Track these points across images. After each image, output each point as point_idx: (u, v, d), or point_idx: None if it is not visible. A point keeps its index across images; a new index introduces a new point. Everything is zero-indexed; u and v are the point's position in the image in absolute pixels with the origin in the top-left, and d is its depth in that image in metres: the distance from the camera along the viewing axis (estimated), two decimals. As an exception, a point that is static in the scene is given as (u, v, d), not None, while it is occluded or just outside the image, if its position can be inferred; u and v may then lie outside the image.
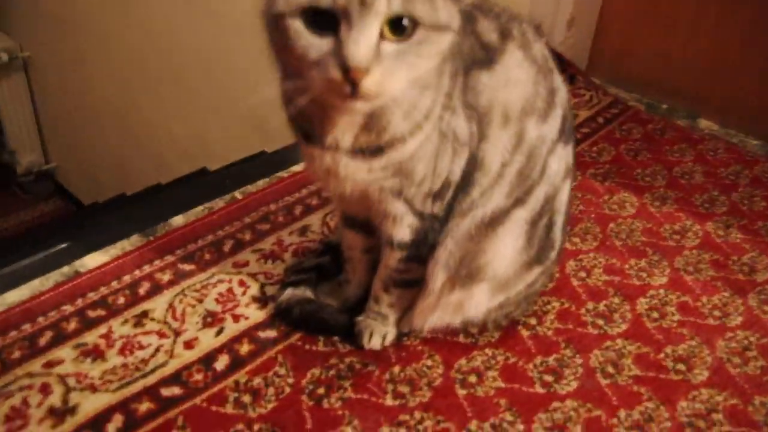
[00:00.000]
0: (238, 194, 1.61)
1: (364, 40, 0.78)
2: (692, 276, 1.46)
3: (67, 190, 4.91)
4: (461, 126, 0.99)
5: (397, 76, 0.82)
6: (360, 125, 0.94)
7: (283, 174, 1.70)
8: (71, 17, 3.94)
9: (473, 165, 1.03)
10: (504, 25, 1.03)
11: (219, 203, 1.57)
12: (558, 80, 1.10)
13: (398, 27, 0.80)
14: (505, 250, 1.11)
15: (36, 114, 4.77)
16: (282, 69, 0.92)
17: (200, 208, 1.55)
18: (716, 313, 1.37)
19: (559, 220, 1.19)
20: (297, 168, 1.72)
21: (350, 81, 0.80)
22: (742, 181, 1.81)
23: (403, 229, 1.08)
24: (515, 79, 1.02)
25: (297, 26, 0.81)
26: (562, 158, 1.13)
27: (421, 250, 1.12)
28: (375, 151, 0.96)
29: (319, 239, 1.47)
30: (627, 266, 1.48)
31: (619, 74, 2.24)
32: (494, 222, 1.08)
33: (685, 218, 1.65)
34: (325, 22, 0.79)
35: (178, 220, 1.50)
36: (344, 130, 0.94)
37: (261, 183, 1.66)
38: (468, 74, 0.98)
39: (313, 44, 0.81)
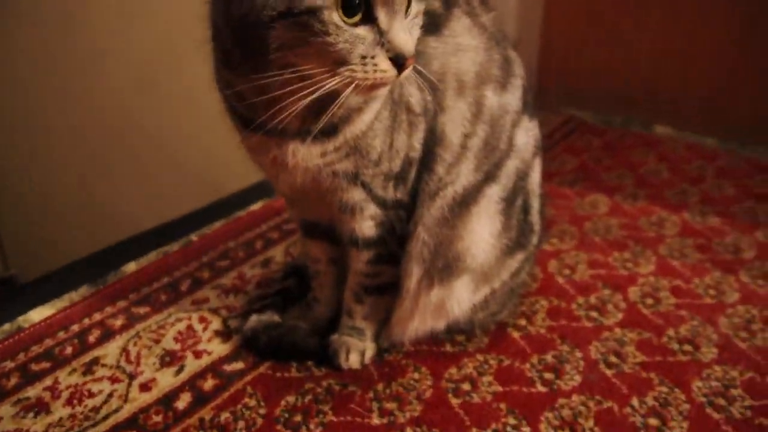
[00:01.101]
0: (194, 237, 1.50)
1: (406, 27, 0.77)
2: (679, 261, 1.39)
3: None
4: (414, 95, 0.92)
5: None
6: (310, 106, 0.85)
7: (241, 213, 1.61)
8: (24, 115, 3.89)
9: (433, 139, 0.96)
10: (447, -6, 0.99)
11: (174, 247, 1.46)
12: (512, 51, 1.06)
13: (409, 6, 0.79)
14: (483, 231, 1.02)
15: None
16: (257, 71, 0.80)
17: (153, 254, 1.44)
18: (711, 292, 1.29)
19: (536, 203, 1.12)
20: (256, 207, 1.63)
21: (404, 67, 0.77)
22: (708, 174, 1.79)
23: (365, 222, 0.99)
24: (465, 45, 0.97)
25: (337, 20, 0.74)
26: (529, 131, 1.07)
27: (390, 246, 1.02)
28: (328, 130, 0.88)
29: (282, 266, 1.36)
30: (611, 259, 1.40)
31: (569, 92, 2.26)
32: (467, 201, 1.00)
33: (659, 210, 1.60)
34: (357, 12, 0.75)
35: (130, 267, 1.38)
36: (294, 113, 0.86)
37: (217, 225, 1.57)
38: None
39: (358, 37, 0.75)
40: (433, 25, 0.95)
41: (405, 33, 0.76)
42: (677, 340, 1.17)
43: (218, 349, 1.14)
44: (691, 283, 1.32)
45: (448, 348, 1.15)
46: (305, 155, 0.89)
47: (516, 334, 1.19)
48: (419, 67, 0.93)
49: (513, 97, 1.02)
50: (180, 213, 1.91)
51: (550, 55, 2.28)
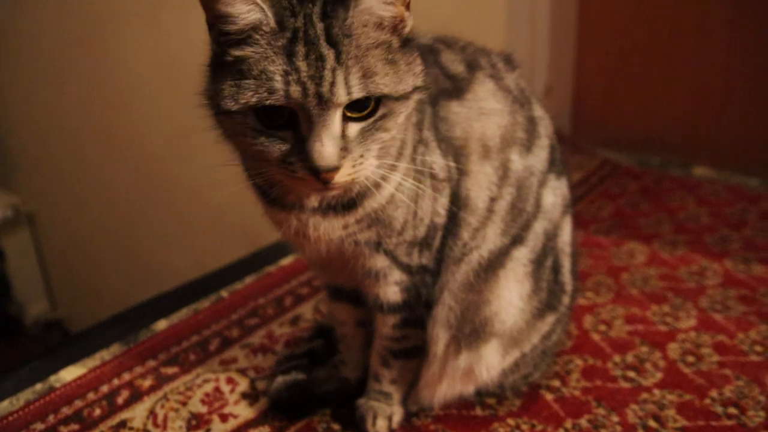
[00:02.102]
0: (224, 293, 1.51)
1: (328, 139, 0.73)
2: (722, 314, 1.34)
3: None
4: (437, 161, 0.91)
5: (368, 159, 0.77)
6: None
7: (271, 269, 1.61)
8: (70, 168, 4.03)
9: (457, 204, 0.95)
10: (470, 56, 0.99)
11: (204, 303, 1.47)
12: (539, 110, 1.04)
13: (361, 104, 0.75)
14: (511, 296, 1.00)
15: (42, 265, 4.79)
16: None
17: (185, 310, 1.45)
18: (757, 348, 1.23)
19: (566, 262, 1.09)
20: (286, 261, 1.63)
21: (321, 179, 0.74)
22: (750, 217, 1.72)
23: (390, 287, 0.97)
24: (489, 108, 0.96)
25: (251, 123, 0.75)
26: (557, 190, 1.05)
27: (416, 310, 1.01)
28: (348, 204, 0.88)
29: (311, 325, 1.35)
30: (649, 313, 1.35)
31: (605, 135, 2.22)
32: (493, 265, 0.98)
33: (700, 259, 1.54)
34: (281, 116, 0.74)
35: (161, 325, 1.39)
36: (309, 194, 0.87)
37: (248, 280, 1.57)
38: (436, 104, 0.92)
39: (275, 141, 0.75)
40: (456, 89, 0.94)
41: (322, 145, 0.72)
42: (721, 402, 1.11)
43: (245, 412, 1.13)
44: (735, 338, 1.26)
45: (479, 412, 1.12)
46: (327, 228, 0.88)
47: (549, 396, 1.15)
48: (442, 133, 0.93)
49: (538, 159, 1.01)
50: (214, 265, 1.93)
51: (584, 99, 2.26)
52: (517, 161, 0.98)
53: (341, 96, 0.72)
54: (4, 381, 1.25)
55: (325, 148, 0.72)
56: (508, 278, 0.99)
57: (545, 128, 1.04)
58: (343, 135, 0.75)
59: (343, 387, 1.14)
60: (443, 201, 0.94)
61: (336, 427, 1.10)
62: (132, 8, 2.97)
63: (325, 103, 0.72)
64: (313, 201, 0.87)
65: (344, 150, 0.75)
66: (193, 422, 1.11)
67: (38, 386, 1.23)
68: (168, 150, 3.38)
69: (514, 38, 2.08)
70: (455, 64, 0.97)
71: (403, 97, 0.78)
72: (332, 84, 0.71)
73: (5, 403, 1.19)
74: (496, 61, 1.02)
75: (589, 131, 2.26)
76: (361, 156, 0.76)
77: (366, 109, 0.75)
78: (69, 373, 1.26)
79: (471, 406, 1.12)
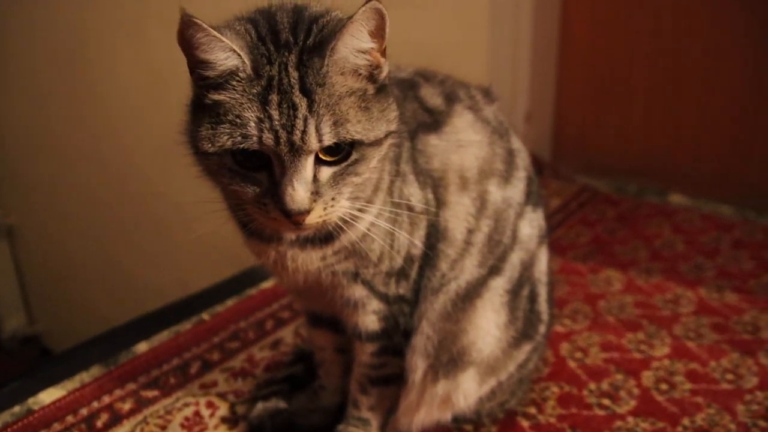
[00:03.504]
0: (205, 315, 1.52)
1: (299, 184, 0.75)
2: (695, 342, 1.37)
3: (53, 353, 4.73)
4: (415, 194, 0.94)
5: (339, 202, 0.80)
6: None
7: (253, 291, 1.62)
8: (51, 181, 4.00)
9: (436, 235, 0.97)
10: (449, 89, 1.02)
11: (186, 326, 1.47)
12: (516, 142, 1.07)
13: (333, 149, 0.77)
14: (488, 325, 1.02)
15: (21, 279, 4.72)
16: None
17: (165, 332, 1.45)
18: (729, 376, 1.26)
19: (543, 291, 1.12)
20: (267, 284, 1.64)
21: (292, 221, 0.77)
22: (723, 246, 1.76)
23: (368, 316, 0.99)
24: (467, 140, 0.98)
25: (227, 163, 0.78)
26: (533, 221, 1.07)
27: (395, 339, 1.02)
28: (325, 238, 0.90)
29: (291, 350, 1.36)
30: (625, 341, 1.38)
31: (584, 161, 2.26)
32: (471, 295, 1.00)
33: (675, 287, 1.57)
34: (256, 159, 0.77)
35: (141, 347, 1.39)
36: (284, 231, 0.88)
37: (230, 303, 1.58)
38: (414, 138, 0.95)
39: (250, 182, 0.78)
40: (434, 123, 0.97)
41: (293, 189, 0.75)
42: (693, 430, 1.13)
43: (224, 437, 1.14)
44: (707, 366, 1.29)
45: (456, 438, 1.13)
46: (305, 260, 0.90)
47: (525, 423, 1.16)
48: (420, 166, 0.95)
49: (516, 190, 1.03)
50: (198, 283, 1.93)
51: (564, 126, 2.30)
52: (495, 192, 1.00)
53: (312, 144, 0.75)
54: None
55: (297, 192, 0.75)
56: (485, 308, 1.01)
57: (523, 160, 1.07)
58: (315, 179, 0.77)
59: (326, 420, 1.15)
60: (420, 233, 0.96)
61: (315, 453, 1.10)
62: (118, 22, 2.98)
63: (296, 150, 0.75)
64: (291, 234, 0.89)
65: (315, 194, 0.77)
66: (172, 447, 1.12)
67: (16, 408, 1.22)
68: (152, 166, 3.37)
69: (496, 65, 2.12)
70: (434, 98, 0.99)
71: (376, 143, 0.80)
72: (303, 132, 0.74)
73: (-19, 427, 1.18)
74: (474, 94, 1.05)
75: (568, 157, 2.30)
76: (333, 199, 0.79)
77: (339, 153, 0.78)
78: (48, 396, 1.25)
79: (448, 433, 1.14)
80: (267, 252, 0.90)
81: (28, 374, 1.38)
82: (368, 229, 0.88)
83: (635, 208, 2.01)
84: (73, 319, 4.47)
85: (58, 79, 3.44)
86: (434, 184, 0.95)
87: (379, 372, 1.06)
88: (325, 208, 0.78)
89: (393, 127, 0.82)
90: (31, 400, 1.25)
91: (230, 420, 1.18)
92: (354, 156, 0.78)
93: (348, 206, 0.81)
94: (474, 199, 0.98)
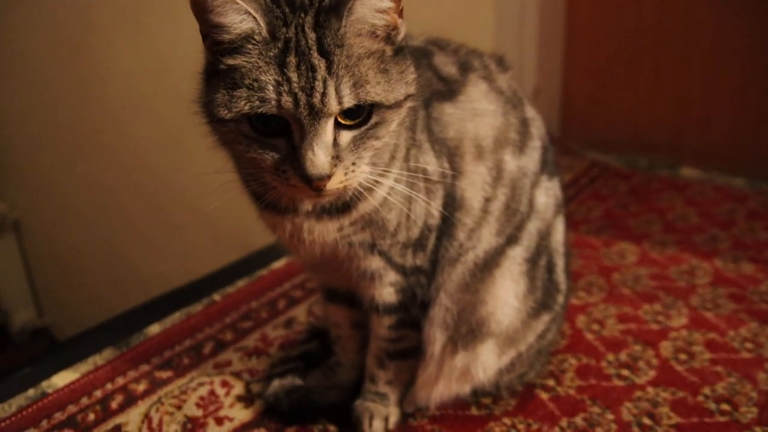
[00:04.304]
0: (217, 296, 1.50)
1: (320, 148, 0.73)
2: (713, 312, 1.35)
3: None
4: (431, 162, 0.92)
5: (360, 167, 0.78)
6: None
7: (263, 272, 1.61)
8: (57, 174, 3.99)
9: (453, 204, 0.95)
10: (463, 58, 1.00)
11: (197, 307, 1.46)
12: (531, 111, 1.05)
13: (353, 112, 0.75)
14: (507, 296, 1.00)
15: (29, 272, 4.74)
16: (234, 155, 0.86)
17: (177, 314, 1.44)
18: (748, 345, 1.25)
19: (560, 261, 1.10)
20: (278, 265, 1.63)
21: (313, 187, 0.75)
22: (738, 217, 1.74)
23: (385, 288, 0.98)
24: (482, 109, 0.96)
25: (244, 130, 0.75)
26: (549, 191, 1.05)
27: (412, 311, 1.01)
28: (341, 208, 0.88)
29: (305, 328, 1.35)
30: (641, 312, 1.36)
31: (593, 136, 2.24)
32: (489, 265, 0.98)
33: (690, 258, 1.56)
34: (274, 124, 0.75)
35: (154, 329, 1.38)
36: (303, 199, 0.87)
37: (241, 284, 1.56)
38: (429, 106, 0.93)
39: (269, 149, 0.76)
40: (449, 91, 0.95)
41: (314, 154, 0.73)
42: (714, 399, 1.12)
43: (240, 415, 1.13)
44: (726, 336, 1.28)
45: (474, 411, 1.12)
46: (321, 231, 0.88)
47: (544, 396, 1.15)
48: (436, 134, 0.93)
49: (531, 160, 1.01)
50: (204, 271, 1.92)
51: (572, 101, 2.28)
52: (510, 162, 0.99)
53: (332, 106, 0.73)
54: (-6, 387, 1.24)
55: (317, 157, 0.73)
56: (504, 277, 0.99)
57: (537, 129, 1.05)
58: (336, 143, 0.75)
59: (343, 396, 1.13)
60: (437, 202, 0.94)
61: (332, 428, 1.09)
62: (122, 14, 2.96)
63: (316, 113, 0.73)
64: (307, 205, 0.87)
65: (336, 158, 0.75)
66: (189, 426, 1.11)
67: (30, 392, 1.21)
68: (157, 156, 3.36)
69: (503, 40, 2.09)
70: (448, 66, 0.97)
71: (396, 105, 0.78)
72: (323, 94, 0.72)
73: (-4, 410, 1.17)
74: (488, 63, 1.03)
75: (577, 133, 2.28)
76: (353, 164, 0.77)
77: (359, 117, 0.76)
78: (61, 379, 1.25)
79: (467, 406, 1.13)
80: (283, 224, 0.88)
81: (40, 359, 1.38)
82: (385, 199, 0.86)
83: (647, 182, 1.99)
84: (81, 310, 4.49)
85: (62, 73, 3.42)
86: (450, 153, 0.93)
87: (397, 345, 1.04)
88: (345, 173, 0.76)
89: (412, 89, 0.80)
90: (44, 384, 1.24)
91: (246, 398, 1.17)
92: (374, 119, 0.76)
93: (368, 171, 0.79)
94: (490, 169, 0.96)
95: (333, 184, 0.75)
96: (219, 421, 1.12)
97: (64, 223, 4.19)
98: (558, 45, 2.24)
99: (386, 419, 1.08)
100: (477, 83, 0.98)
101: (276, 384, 1.14)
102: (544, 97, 2.22)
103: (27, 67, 3.57)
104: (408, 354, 1.05)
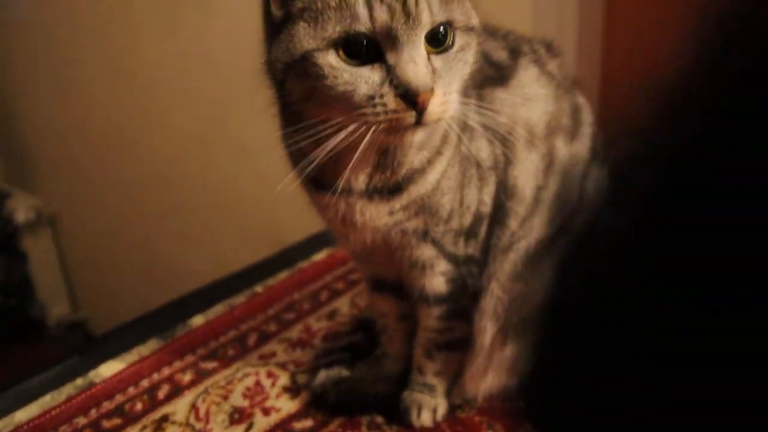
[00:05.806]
0: (258, 288, 1.51)
1: (420, 58, 0.72)
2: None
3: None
4: (483, 148, 0.91)
5: (454, 91, 0.77)
6: (374, 162, 0.86)
7: (304, 264, 1.61)
8: (90, 170, 4.06)
9: (505, 192, 0.94)
10: (513, 43, 0.98)
11: (240, 299, 1.47)
12: (581, 97, 1.03)
13: (436, 38, 0.74)
14: (560, 285, 0.98)
15: (64, 267, 4.83)
16: (292, 123, 0.84)
17: (220, 306, 1.45)
18: None
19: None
20: (319, 257, 1.63)
21: (417, 108, 0.72)
22: None
23: (436, 278, 0.97)
24: (534, 94, 0.95)
25: (333, 61, 0.72)
26: (598, 181, 1.03)
27: (462, 301, 1.00)
28: (393, 189, 0.87)
29: (349, 319, 1.35)
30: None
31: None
32: (541, 254, 0.97)
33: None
34: (362, 51, 0.72)
35: (197, 320, 1.39)
36: (357, 170, 0.86)
37: (282, 275, 1.57)
38: (481, 92, 0.91)
39: (361, 76, 0.72)
40: (500, 77, 0.93)
41: (415, 64, 0.71)
42: None
43: (287, 406, 1.13)
44: None
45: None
46: (373, 214, 0.88)
47: (594, 389, 1.13)
48: (488, 120, 0.91)
49: (582, 146, 1.00)
50: (241, 265, 1.93)
51: (610, 91, 2.24)
52: (562, 149, 0.97)
53: (425, 17, 0.72)
54: (44, 375, 1.26)
55: (419, 66, 0.71)
56: (555, 267, 0.97)
57: (588, 115, 1.03)
58: (432, 67, 0.74)
59: (390, 387, 1.13)
60: (489, 189, 0.93)
61: (379, 419, 1.09)
62: (152, 9, 2.98)
63: (411, 22, 0.71)
64: (361, 183, 0.86)
65: (435, 75, 0.74)
66: (236, 416, 1.11)
67: (79, 381, 1.23)
68: (188, 151, 3.38)
69: (540, 30, 2.06)
70: (498, 51, 0.96)
71: (474, 31, 0.79)
72: (416, 3, 0.71)
73: (47, 397, 1.19)
74: (537, 48, 1.01)
75: (616, 123, 2.23)
76: (450, 88, 0.76)
77: (443, 43, 0.75)
78: (108, 369, 1.26)
79: (516, 399, 1.11)
80: (336, 205, 0.88)
81: (85, 349, 1.40)
82: (438, 182, 0.85)
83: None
84: (115, 305, 4.55)
85: (93, 68, 3.46)
86: (502, 139, 0.92)
87: (445, 336, 1.03)
88: (444, 94, 0.74)
89: (476, 22, 0.80)
90: (92, 373, 1.26)
91: (292, 389, 1.17)
92: (459, 43, 0.76)
93: (458, 102, 0.78)
94: (543, 156, 0.95)
95: (435, 105, 0.73)
96: (266, 412, 1.12)
97: (99, 218, 4.25)
98: (597, 36, 2.20)
99: (434, 411, 1.07)
100: (528, 67, 0.96)
101: (322, 375, 1.14)
102: (583, 89, 2.18)
103: (59, 63, 3.63)
104: (456, 345, 1.04)
